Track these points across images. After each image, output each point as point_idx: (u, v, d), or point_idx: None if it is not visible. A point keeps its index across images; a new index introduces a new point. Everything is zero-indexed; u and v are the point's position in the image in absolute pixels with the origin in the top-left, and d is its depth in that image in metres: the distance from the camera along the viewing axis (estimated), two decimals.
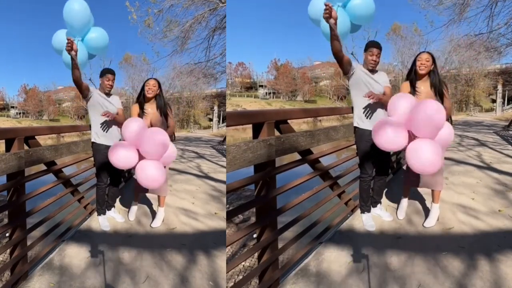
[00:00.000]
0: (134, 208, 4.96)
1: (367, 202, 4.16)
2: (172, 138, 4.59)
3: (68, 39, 3.80)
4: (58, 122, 41.69)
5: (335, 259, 3.51)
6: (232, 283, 3.58)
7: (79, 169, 5.56)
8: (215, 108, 36.20)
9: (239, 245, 5.27)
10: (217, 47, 15.14)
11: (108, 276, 3.59)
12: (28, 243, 3.83)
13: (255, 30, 76.61)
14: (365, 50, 3.90)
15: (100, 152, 4.41)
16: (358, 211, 4.55)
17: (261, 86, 53.36)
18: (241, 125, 3.20)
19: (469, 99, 36.16)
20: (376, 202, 4.31)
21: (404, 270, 3.25)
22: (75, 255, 4.00)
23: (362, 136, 3.89)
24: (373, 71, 3.91)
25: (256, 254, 3.48)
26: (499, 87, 35.82)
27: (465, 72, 35.16)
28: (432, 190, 4.03)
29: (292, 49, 79.96)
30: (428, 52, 3.72)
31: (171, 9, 13.38)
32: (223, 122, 36.15)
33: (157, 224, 4.77)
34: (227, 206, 6.30)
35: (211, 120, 36.57)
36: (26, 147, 3.87)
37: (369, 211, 4.19)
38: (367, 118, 3.86)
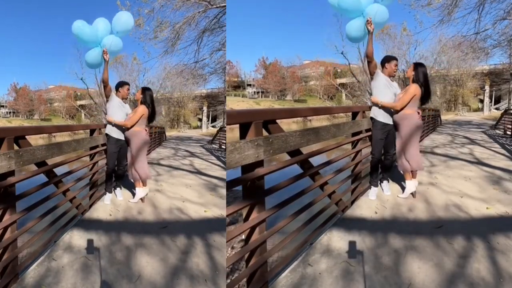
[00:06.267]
0: (138, 192, 5.94)
1: (375, 178, 5.28)
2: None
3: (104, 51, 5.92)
4: (50, 121, 41.43)
5: (325, 260, 3.53)
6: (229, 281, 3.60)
7: (71, 169, 5.55)
8: (204, 108, 36.19)
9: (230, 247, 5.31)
10: (206, 48, 15.18)
11: (103, 276, 3.59)
12: (19, 244, 3.81)
13: (242, 27, 76.54)
14: (388, 61, 5.10)
15: (111, 143, 5.89)
16: (349, 211, 4.62)
17: (249, 85, 53.24)
18: (233, 125, 3.20)
19: (458, 99, 36.51)
20: (383, 178, 5.44)
21: (398, 270, 3.29)
22: (67, 256, 3.99)
23: (377, 126, 5.10)
24: (391, 78, 5.17)
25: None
26: (487, 88, 36.24)
27: (453, 72, 35.47)
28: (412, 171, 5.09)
29: (281, 47, 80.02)
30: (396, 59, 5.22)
31: (162, 10, 13.38)
32: (212, 122, 36.21)
33: (135, 200, 5.95)
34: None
35: (200, 120, 36.55)
36: (16, 147, 3.86)
37: (375, 185, 5.27)
38: (382, 113, 5.06)
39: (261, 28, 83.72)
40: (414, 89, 4.85)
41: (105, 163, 6.18)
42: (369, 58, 5.11)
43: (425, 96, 4.90)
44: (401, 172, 5.31)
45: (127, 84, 6.02)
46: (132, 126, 5.73)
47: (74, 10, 61.36)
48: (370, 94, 5.20)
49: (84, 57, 6.07)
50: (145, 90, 5.84)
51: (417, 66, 4.93)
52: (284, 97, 50.43)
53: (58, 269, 3.71)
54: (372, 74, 5.18)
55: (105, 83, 5.88)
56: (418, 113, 4.92)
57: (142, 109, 5.73)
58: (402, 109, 4.90)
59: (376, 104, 5.11)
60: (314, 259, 3.53)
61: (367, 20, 5.17)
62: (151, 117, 5.85)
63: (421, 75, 4.86)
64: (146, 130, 5.83)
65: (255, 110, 3.47)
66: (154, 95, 5.80)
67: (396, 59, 5.15)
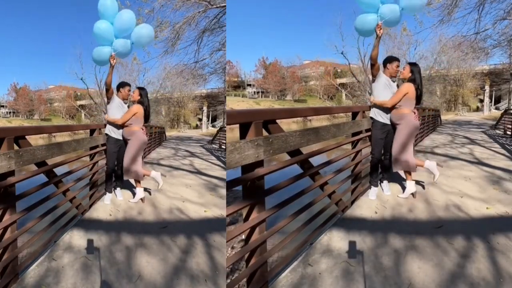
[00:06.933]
0: (138, 192, 5.94)
1: (375, 178, 5.30)
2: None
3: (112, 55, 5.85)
4: (50, 121, 41.43)
5: (325, 260, 3.53)
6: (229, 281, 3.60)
7: (71, 169, 5.55)
8: (204, 108, 36.19)
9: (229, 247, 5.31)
10: (206, 48, 15.18)
11: (102, 276, 3.59)
12: (19, 244, 3.81)
13: (242, 27, 76.41)
14: (389, 62, 5.12)
15: (111, 143, 5.92)
16: (349, 211, 4.63)
17: (249, 85, 53.22)
18: (233, 125, 3.20)
19: (458, 99, 36.51)
20: (383, 178, 5.46)
21: (398, 270, 3.29)
22: (67, 256, 3.99)
23: (376, 126, 5.15)
24: (393, 79, 5.17)
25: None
26: (487, 88, 36.25)
27: (453, 72, 35.47)
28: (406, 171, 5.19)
29: (281, 47, 79.95)
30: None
31: (162, 10, 13.37)
32: (212, 122, 36.24)
33: (135, 200, 5.94)
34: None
35: (200, 120, 36.56)
36: (16, 147, 3.86)
37: (375, 185, 5.28)
38: (381, 113, 5.10)
39: (261, 28, 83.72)
40: (406, 88, 4.91)
41: (105, 163, 6.18)
42: (373, 61, 5.08)
43: (418, 96, 4.96)
44: (399, 172, 5.34)
45: (128, 85, 6.01)
46: (123, 124, 5.77)
47: (74, 10, 61.45)
48: (370, 94, 5.21)
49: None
50: (140, 89, 5.88)
51: (411, 65, 5.02)
52: (284, 97, 50.42)
53: (58, 269, 3.71)
54: (374, 76, 5.17)
55: (107, 87, 5.91)
56: (414, 113, 4.93)
57: (136, 108, 5.74)
58: (393, 107, 4.97)
59: (374, 104, 5.15)
60: (314, 259, 3.53)
61: (377, 24, 5.10)
62: (146, 117, 5.87)
63: (417, 75, 4.95)
64: (143, 129, 5.82)
65: (255, 110, 3.47)
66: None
67: (398, 60, 5.15)
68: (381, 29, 5.09)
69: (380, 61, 5.12)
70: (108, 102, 5.93)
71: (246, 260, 3.10)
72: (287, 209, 3.35)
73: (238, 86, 53.39)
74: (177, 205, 5.74)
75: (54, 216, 4.61)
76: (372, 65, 5.12)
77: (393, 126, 5.05)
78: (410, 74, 4.95)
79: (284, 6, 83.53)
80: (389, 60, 5.13)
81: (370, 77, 5.32)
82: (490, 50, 19.94)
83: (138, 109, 5.74)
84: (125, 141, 5.83)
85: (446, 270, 3.20)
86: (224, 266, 3.82)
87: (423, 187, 5.48)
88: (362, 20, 5.27)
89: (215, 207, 5.71)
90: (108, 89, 5.92)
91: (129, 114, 5.71)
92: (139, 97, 5.79)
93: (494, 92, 36.99)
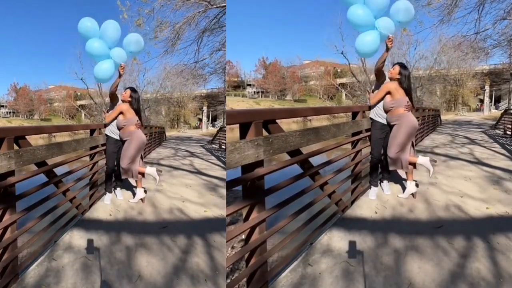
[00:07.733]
0: (138, 192, 5.90)
1: (375, 178, 5.30)
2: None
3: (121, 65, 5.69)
4: (50, 121, 41.44)
5: (325, 260, 3.53)
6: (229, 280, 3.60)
7: (71, 168, 5.55)
8: (204, 108, 36.21)
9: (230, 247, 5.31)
10: (206, 48, 15.18)
11: (102, 276, 3.59)
12: (19, 244, 3.81)
13: (242, 27, 76.43)
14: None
15: (110, 143, 5.94)
16: (349, 211, 4.63)
17: (249, 85, 53.21)
18: (233, 125, 3.20)
19: (458, 99, 36.52)
20: (383, 178, 5.45)
21: (398, 270, 3.28)
22: (67, 256, 3.99)
23: (376, 126, 5.18)
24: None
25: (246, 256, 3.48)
26: (487, 88, 36.25)
27: (453, 72, 35.48)
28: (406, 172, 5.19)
29: (281, 47, 79.99)
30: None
31: (162, 10, 13.36)
32: (212, 122, 36.26)
33: (135, 200, 5.91)
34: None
35: (200, 120, 36.58)
36: (16, 147, 3.85)
37: (375, 185, 5.28)
38: (380, 114, 5.11)
39: (261, 28, 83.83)
40: (388, 86, 4.96)
41: (105, 163, 6.17)
42: (377, 72, 5.14)
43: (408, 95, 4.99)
44: (399, 172, 5.33)
45: (128, 88, 5.96)
46: (110, 122, 5.84)
47: (74, 10, 61.38)
48: (373, 93, 5.23)
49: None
50: (131, 91, 5.85)
51: (401, 67, 4.99)
52: (284, 97, 50.42)
53: (58, 269, 3.71)
54: (379, 81, 5.23)
55: (112, 95, 5.91)
56: (406, 107, 4.89)
57: (121, 106, 5.74)
58: (388, 109, 4.97)
59: (374, 104, 5.15)
60: (314, 259, 3.52)
61: (388, 37, 4.91)
62: (138, 117, 5.84)
63: (403, 78, 4.96)
64: (136, 126, 5.78)
65: (255, 110, 3.47)
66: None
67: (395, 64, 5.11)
68: (392, 42, 4.99)
69: (374, 59, 5.13)
70: (112, 106, 5.92)
71: (246, 260, 3.10)
72: (287, 209, 3.35)
73: (238, 86, 53.40)
74: (177, 205, 5.74)
75: (54, 216, 4.61)
76: (377, 76, 5.17)
77: (391, 127, 5.03)
78: (399, 76, 4.93)
79: (284, 6, 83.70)
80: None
81: (370, 77, 5.32)
82: (490, 50, 19.97)
83: (123, 107, 5.72)
84: (123, 143, 5.81)
85: (446, 270, 3.20)
86: (224, 266, 3.82)
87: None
88: (364, 41, 5.00)
89: (215, 207, 5.71)
90: (112, 97, 5.92)
91: (115, 113, 5.74)
92: (129, 98, 5.76)
93: (494, 92, 37.00)
